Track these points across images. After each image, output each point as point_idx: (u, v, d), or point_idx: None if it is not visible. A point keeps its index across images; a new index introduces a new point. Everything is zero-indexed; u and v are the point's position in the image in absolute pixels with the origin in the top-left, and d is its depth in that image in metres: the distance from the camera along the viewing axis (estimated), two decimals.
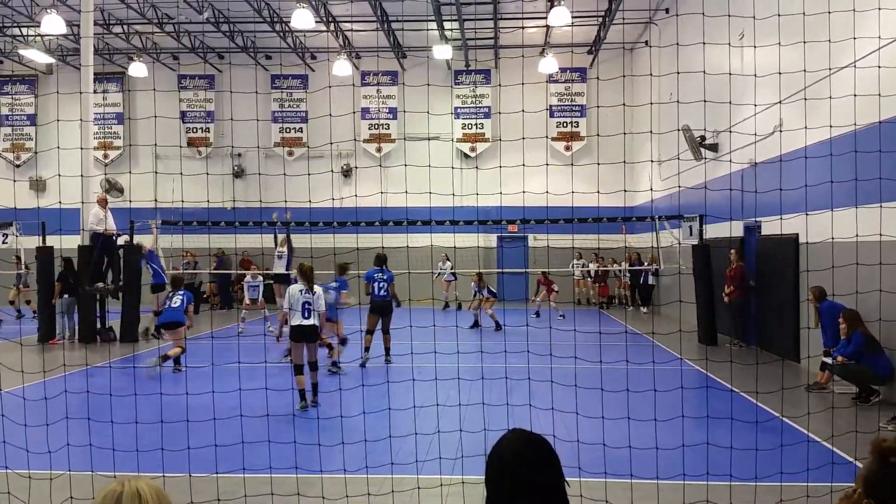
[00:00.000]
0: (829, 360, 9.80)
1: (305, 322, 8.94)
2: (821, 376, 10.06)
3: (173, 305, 12.32)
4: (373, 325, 12.53)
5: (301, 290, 9.10)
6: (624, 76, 22.12)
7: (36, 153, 26.96)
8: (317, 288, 9.22)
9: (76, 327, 16.03)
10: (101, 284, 15.64)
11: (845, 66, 9.54)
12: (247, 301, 17.77)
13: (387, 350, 12.60)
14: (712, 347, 14.26)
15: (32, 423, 6.44)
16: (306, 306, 8.96)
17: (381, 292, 12.49)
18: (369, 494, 5.44)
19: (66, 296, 15.88)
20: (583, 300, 24.68)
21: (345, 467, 5.91)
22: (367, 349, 12.34)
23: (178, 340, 12.19)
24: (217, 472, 5.94)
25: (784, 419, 7.92)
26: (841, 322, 9.48)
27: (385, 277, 12.52)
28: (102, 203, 15.89)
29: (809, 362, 11.42)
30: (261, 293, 17.75)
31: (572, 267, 23.76)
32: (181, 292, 12.53)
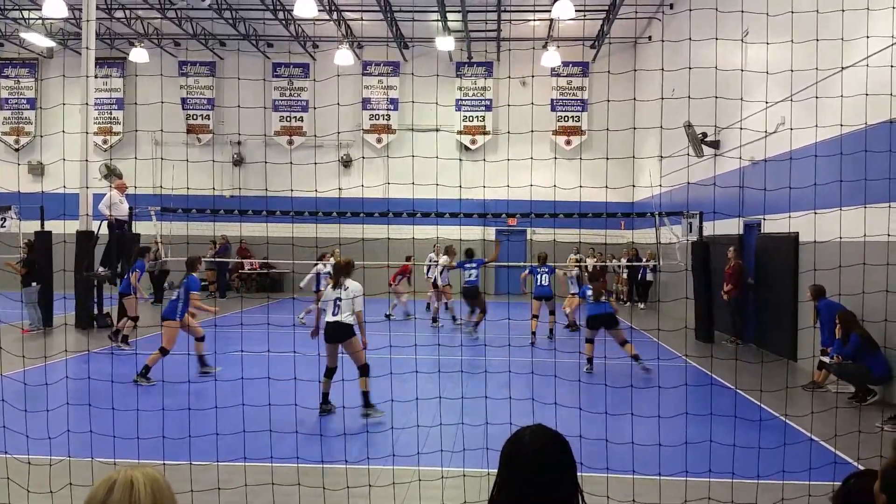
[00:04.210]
0: (826, 360, 9.84)
1: (332, 319, 8.51)
2: (818, 375, 10.08)
3: (171, 297, 10.63)
4: (536, 309, 14.38)
5: (333, 287, 8.73)
6: (626, 71, 22.08)
7: (33, 137, 26.85)
8: (350, 283, 8.66)
9: (41, 316, 15.03)
10: (101, 270, 15.57)
11: (849, 66, 9.53)
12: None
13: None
14: (709, 345, 14.30)
15: (31, 408, 6.44)
16: (337, 302, 8.58)
17: (543, 282, 14.47)
18: (370, 486, 5.44)
19: (33, 283, 14.93)
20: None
21: (346, 458, 5.91)
22: (533, 332, 14.07)
23: (166, 338, 10.14)
24: (217, 461, 5.94)
25: (780, 417, 7.95)
26: (837, 322, 9.51)
27: (546, 270, 14.59)
28: (121, 189, 15.78)
29: (807, 362, 11.46)
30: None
31: (569, 262, 23.75)
32: (185, 280, 10.57)
